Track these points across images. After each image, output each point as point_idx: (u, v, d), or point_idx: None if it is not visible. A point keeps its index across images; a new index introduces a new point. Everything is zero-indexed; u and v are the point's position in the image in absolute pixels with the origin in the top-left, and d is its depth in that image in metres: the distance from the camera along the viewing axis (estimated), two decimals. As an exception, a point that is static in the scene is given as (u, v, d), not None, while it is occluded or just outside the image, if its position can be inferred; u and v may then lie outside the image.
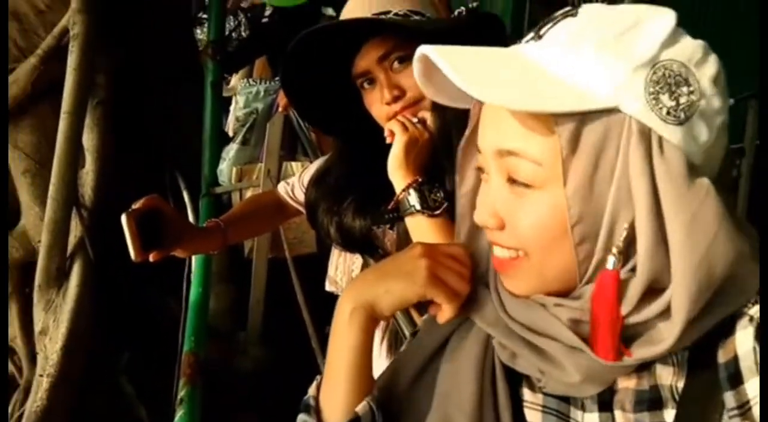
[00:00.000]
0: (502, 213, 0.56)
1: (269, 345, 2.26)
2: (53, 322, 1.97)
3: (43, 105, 1.94)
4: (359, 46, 0.94)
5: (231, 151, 2.00)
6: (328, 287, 2.02)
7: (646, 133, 0.49)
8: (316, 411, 0.64)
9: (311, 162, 2.27)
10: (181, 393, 1.29)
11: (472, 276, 0.63)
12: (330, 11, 2.46)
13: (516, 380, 0.62)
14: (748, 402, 0.49)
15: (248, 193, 2.03)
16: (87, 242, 1.99)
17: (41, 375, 1.93)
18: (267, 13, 2.92)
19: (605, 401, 0.57)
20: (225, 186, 2.04)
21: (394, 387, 0.67)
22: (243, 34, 2.37)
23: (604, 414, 0.58)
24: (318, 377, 0.69)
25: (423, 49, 0.56)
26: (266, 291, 2.19)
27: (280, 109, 1.84)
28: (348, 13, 0.99)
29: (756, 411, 0.49)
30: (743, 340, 0.51)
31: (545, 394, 0.60)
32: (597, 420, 0.58)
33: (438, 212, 0.92)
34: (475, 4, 0.96)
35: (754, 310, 0.52)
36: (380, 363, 1.15)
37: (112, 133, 2.01)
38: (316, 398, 0.66)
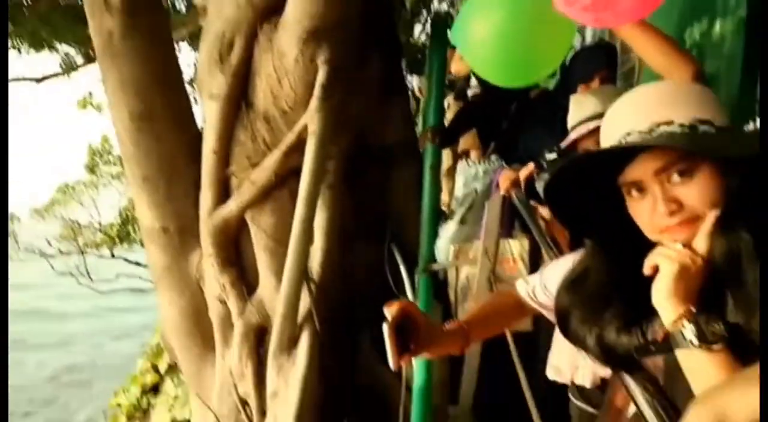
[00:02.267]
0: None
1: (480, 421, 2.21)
2: (284, 386, 2.16)
3: (282, 191, 2.17)
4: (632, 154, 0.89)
5: (449, 229, 2.05)
6: (550, 373, 1.94)
7: None
8: None
9: (528, 239, 2.26)
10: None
11: None
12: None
13: None
14: None
15: (464, 271, 2.06)
16: (314, 313, 2.16)
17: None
18: (472, 83, 2.99)
19: None
20: (441, 263, 2.09)
21: None
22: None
23: None
24: None
25: None
26: (479, 366, 2.16)
27: (501, 191, 1.83)
28: (621, 118, 0.94)
29: None
30: None
31: None
32: None
33: (717, 347, 0.82)
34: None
35: None
36: None
37: (339, 214, 2.18)
38: None
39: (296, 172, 2.09)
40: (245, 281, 2.36)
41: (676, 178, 0.85)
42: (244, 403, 2.45)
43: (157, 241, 2.49)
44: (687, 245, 0.87)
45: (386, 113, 2.42)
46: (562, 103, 1.81)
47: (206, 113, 2.16)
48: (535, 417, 1.43)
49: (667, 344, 0.87)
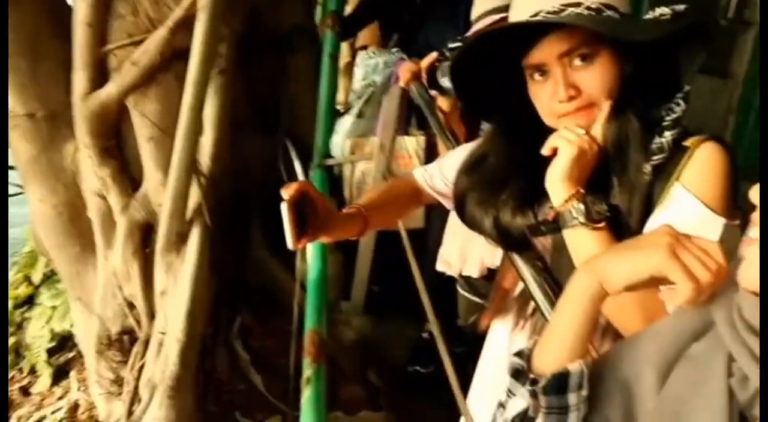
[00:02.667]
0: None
1: (372, 316, 2.28)
2: (173, 284, 2.07)
3: (168, 75, 1.98)
4: (538, 36, 0.87)
5: (345, 123, 1.98)
6: (440, 266, 2.01)
7: None
8: (528, 358, 0.68)
9: (425, 135, 2.25)
10: (308, 373, 1.31)
11: (723, 274, 0.59)
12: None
13: None
14: None
15: (359, 166, 2.02)
16: (204, 208, 2.06)
17: (162, 333, 2.05)
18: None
19: None
20: (337, 158, 2.03)
21: (611, 367, 0.65)
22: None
23: None
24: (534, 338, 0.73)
25: None
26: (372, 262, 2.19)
27: (401, 83, 1.78)
28: None
29: None
30: None
31: None
32: None
33: (601, 225, 0.87)
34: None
35: None
36: (520, 338, 1.11)
37: (230, 102, 2.03)
38: (531, 349, 0.69)
39: (184, 54, 1.90)
40: (128, 175, 2.18)
41: (577, 61, 0.87)
42: (131, 305, 2.34)
43: (23, 129, 2.21)
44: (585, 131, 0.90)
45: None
46: None
47: (76, -21, 1.88)
48: (428, 311, 1.47)
49: (556, 224, 0.91)
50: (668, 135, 0.85)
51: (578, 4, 0.85)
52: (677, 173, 0.83)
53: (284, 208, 0.96)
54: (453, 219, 1.84)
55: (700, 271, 0.59)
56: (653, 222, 0.83)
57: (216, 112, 2.03)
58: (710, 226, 0.79)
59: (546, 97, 0.91)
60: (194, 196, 2.08)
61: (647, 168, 0.85)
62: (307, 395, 1.27)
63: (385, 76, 2.00)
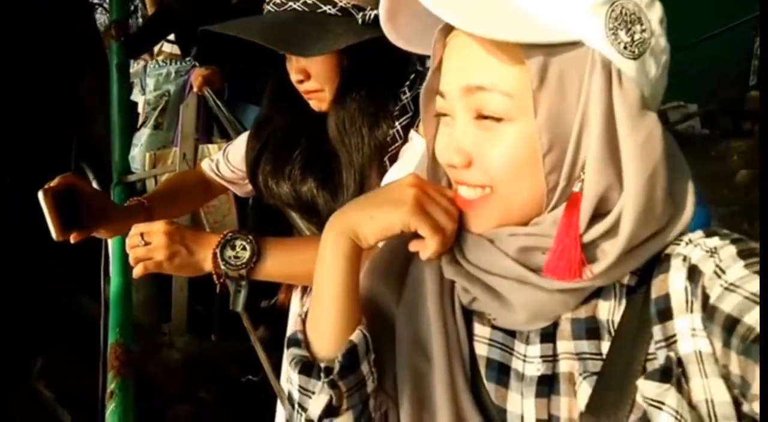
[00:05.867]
0: (470, 150, 0.57)
1: (196, 335, 2.19)
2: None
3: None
4: None
5: (143, 136, 1.91)
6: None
7: (606, 66, 0.53)
8: (306, 344, 0.63)
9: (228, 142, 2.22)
10: (111, 386, 1.24)
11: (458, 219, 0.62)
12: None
13: (468, 315, 0.65)
14: (674, 336, 0.54)
15: (163, 179, 1.95)
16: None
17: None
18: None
19: (548, 333, 0.61)
20: (138, 173, 1.92)
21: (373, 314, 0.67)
22: (144, 13, 2.23)
23: (546, 345, 0.62)
24: (302, 312, 0.68)
25: None
26: (189, 279, 2.12)
27: (194, 90, 1.77)
28: None
29: (681, 346, 0.53)
30: (676, 281, 0.55)
31: (493, 327, 0.64)
32: (539, 351, 0.61)
33: None
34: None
35: (687, 250, 0.56)
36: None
37: (12, 125, 1.85)
38: (304, 331, 0.65)
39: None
40: None
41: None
42: None
43: None
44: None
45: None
46: None
47: None
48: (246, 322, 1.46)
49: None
50: (398, 124, 0.94)
51: None
52: None
53: (41, 197, 0.91)
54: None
55: (445, 222, 0.60)
56: (394, 174, 0.91)
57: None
58: None
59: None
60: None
61: (386, 161, 0.94)
62: (111, 409, 1.20)
63: (178, 85, 1.97)
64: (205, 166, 1.27)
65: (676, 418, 0.51)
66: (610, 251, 0.55)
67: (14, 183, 1.95)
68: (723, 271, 0.52)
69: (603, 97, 0.53)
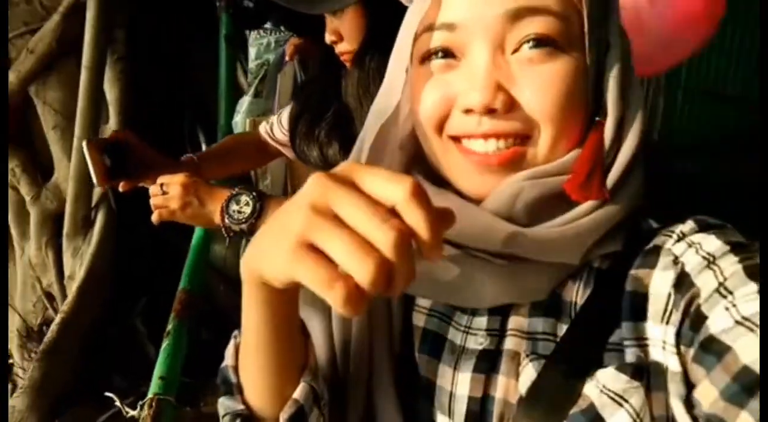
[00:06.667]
0: (512, 89, 0.49)
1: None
2: (79, 268, 2.09)
3: (68, 61, 2.02)
4: None
5: (244, 103, 2.03)
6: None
7: None
8: (240, 391, 0.54)
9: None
10: (169, 327, 1.34)
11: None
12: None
13: None
14: (646, 339, 0.48)
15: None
16: (110, 192, 2.09)
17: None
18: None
19: (501, 305, 0.54)
20: (240, 139, 2.07)
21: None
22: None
23: (494, 318, 0.55)
24: (234, 338, 0.57)
25: None
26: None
27: (287, 58, 1.83)
28: None
29: (653, 351, 0.47)
30: (660, 283, 0.48)
31: None
32: (485, 323, 0.55)
33: None
34: None
35: (679, 249, 0.49)
36: None
37: (133, 88, 2.08)
38: (236, 370, 0.55)
39: (82, 41, 1.95)
40: (38, 164, 2.21)
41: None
42: (49, 296, 2.35)
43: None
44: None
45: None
46: None
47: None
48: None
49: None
50: None
51: None
52: None
53: (84, 147, 1.00)
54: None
55: (356, 264, 0.33)
56: None
57: (118, 97, 2.07)
58: None
59: None
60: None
61: None
62: (163, 346, 1.30)
63: (278, 54, 2.05)
64: (261, 129, 1.31)
65: (634, 420, 0.45)
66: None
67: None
68: (729, 292, 0.43)
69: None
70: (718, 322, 0.42)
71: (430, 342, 0.57)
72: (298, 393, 0.52)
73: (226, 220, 0.92)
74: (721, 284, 0.44)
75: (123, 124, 2.08)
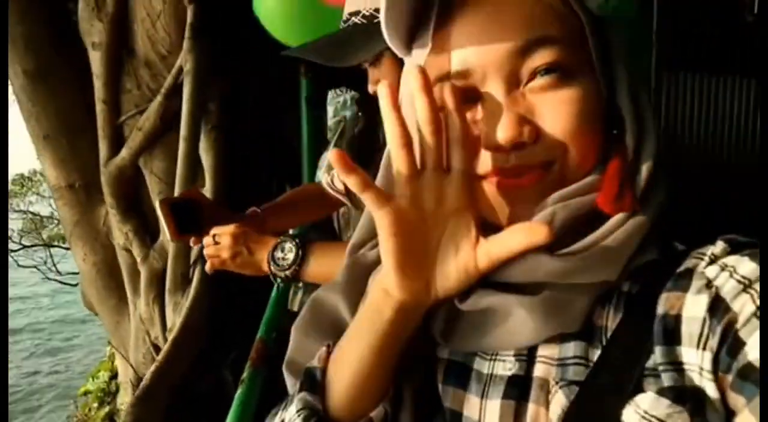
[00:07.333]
0: (534, 119, 0.51)
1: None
2: (179, 320, 2.25)
3: (171, 135, 2.26)
4: None
5: (325, 158, 2.13)
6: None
7: None
8: (322, 391, 0.57)
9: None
10: (244, 375, 1.40)
11: None
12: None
13: None
14: (681, 363, 0.47)
15: (342, 201, 2.16)
16: (206, 251, 2.26)
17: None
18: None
19: None
20: (322, 195, 2.18)
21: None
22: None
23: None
24: (328, 345, 0.60)
25: None
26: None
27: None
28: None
29: (690, 376, 0.46)
30: (694, 306, 0.48)
31: None
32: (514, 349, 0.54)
33: None
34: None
35: (712, 272, 0.48)
36: None
37: (226, 153, 2.27)
38: (324, 371, 0.58)
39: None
40: (147, 228, 2.44)
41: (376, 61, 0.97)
42: (156, 348, 2.54)
43: (66, 199, 2.58)
44: None
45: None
46: None
47: (92, 63, 2.24)
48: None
49: None
50: None
51: (357, 12, 0.94)
52: None
53: (158, 206, 1.11)
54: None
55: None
56: None
57: (212, 163, 2.26)
58: None
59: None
60: (198, 241, 2.30)
61: None
62: (237, 395, 1.36)
63: (353, 111, 2.15)
64: (323, 179, 1.37)
65: None
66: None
67: (229, 202, 2.37)
68: None
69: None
70: (757, 348, 0.41)
71: (456, 374, 0.56)
72: (375, 414, 0.55)
73: (272, 267, 0.96)
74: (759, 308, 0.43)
75: (217, 187, 2.26)
